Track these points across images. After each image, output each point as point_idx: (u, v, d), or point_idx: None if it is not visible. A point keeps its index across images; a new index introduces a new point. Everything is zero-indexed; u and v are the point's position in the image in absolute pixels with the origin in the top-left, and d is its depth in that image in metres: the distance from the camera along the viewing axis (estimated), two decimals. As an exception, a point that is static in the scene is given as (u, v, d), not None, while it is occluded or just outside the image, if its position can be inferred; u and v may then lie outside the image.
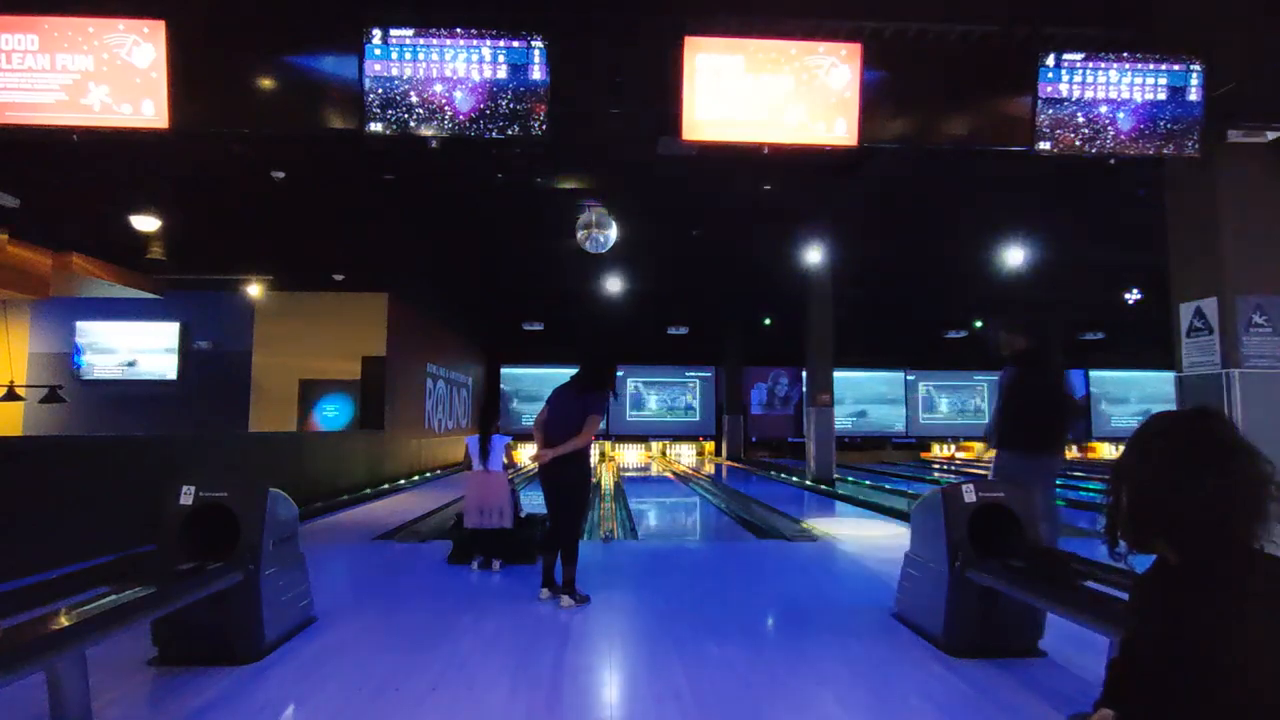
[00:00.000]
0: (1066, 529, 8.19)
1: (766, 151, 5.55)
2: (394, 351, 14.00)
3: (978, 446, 26.10)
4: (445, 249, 13.75)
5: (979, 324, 21.62)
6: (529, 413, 24.77)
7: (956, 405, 26.12)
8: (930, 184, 9.88)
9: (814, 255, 12.61)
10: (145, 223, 9.63)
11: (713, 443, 24.89)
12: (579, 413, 4.75)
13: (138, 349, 13.68)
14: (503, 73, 5.25)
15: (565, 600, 4.70)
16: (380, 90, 5.22)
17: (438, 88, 5.25)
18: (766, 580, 5.73)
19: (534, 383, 24.72)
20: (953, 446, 26.11)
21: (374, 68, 5.21)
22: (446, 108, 5.26)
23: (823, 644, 3.97)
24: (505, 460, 6.06)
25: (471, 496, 5.88)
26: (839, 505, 11.15)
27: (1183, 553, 1.20)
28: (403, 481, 13.87)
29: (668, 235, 12.51)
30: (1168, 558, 1.23)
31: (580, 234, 9.57)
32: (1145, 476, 1.24)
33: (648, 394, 25.18)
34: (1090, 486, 14.10)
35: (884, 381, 25.91)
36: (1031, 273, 13.59)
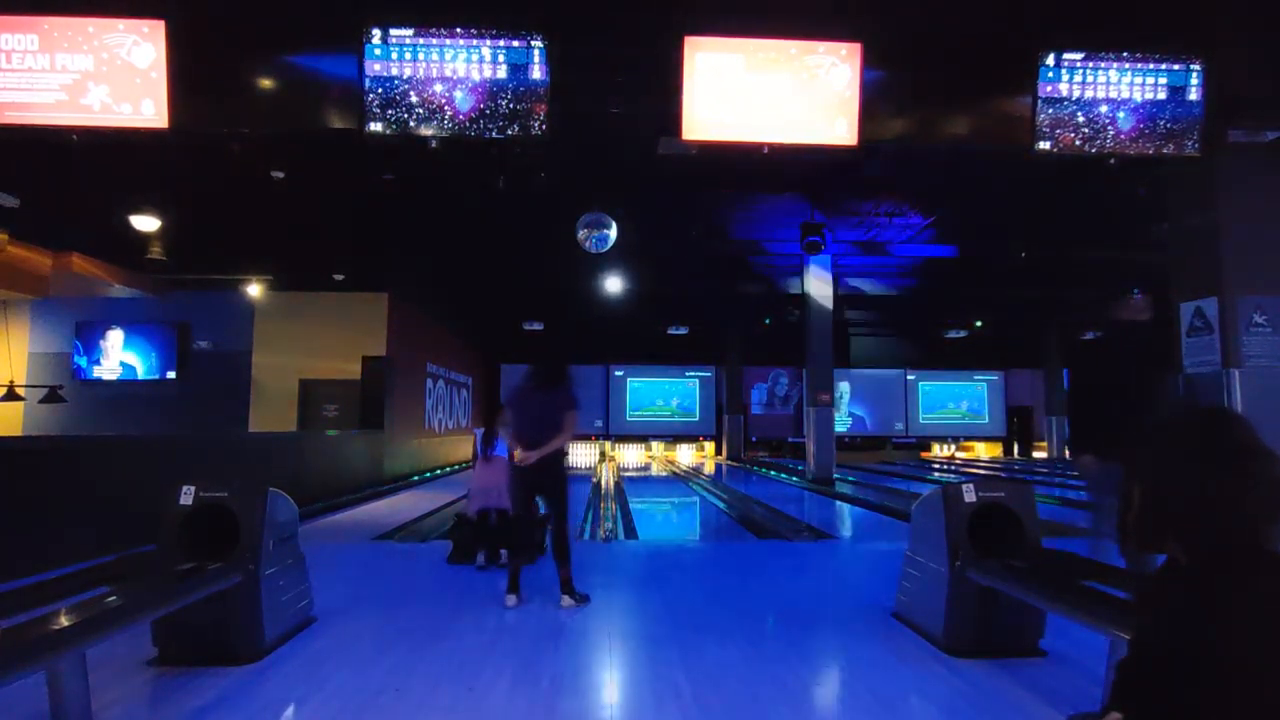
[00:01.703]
0: (1066, 529, 8.20)
1: (766, 151, 5.55)
2: (394, 351, 14.00)
3: (978, 446, 26.11)
4: (445, 249, 13.74)
5: (979, 323, 21.60)
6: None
7: (957, 405, 26.11)
8: (930, 183, 9.88)
9: (813, 254, 12.59)
10: (145, 223, 9.62)
11: (713, 443, 24.88)
12: (554, 411, 4.72)
13: (137, 349, 13.67)
14: (503, 73, 5.25)
15: (565, 600, 4.67)
16: (380, 90, 5.22)
17: (438, 87, 5.25)
18: (766, 580, 5.73)
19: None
20: (953, 446, 26.11)
21: (374, 67, 5.21)
22: (446, 107, 5.26)
23: (823, 644, 3.97)
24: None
25: (478, 481, 6.05)
26: (839, 505, 11.15)
27: (1196, 553, 1.19)
28: (402, 481, 13.86)
29: (668, 235, 12.50)
30: (1178, 558, 1.23)
31: (580, 234, 9.57)
32: (1160, 474, 1.23)
33: (648, 394, 25.18)
34: (1090, 486, 14.09)
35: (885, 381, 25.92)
36: (1031, 272, 13.60)
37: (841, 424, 23.82)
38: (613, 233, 9.55)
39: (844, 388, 24.93)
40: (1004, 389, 26.08)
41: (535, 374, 4.93)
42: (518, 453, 4.69)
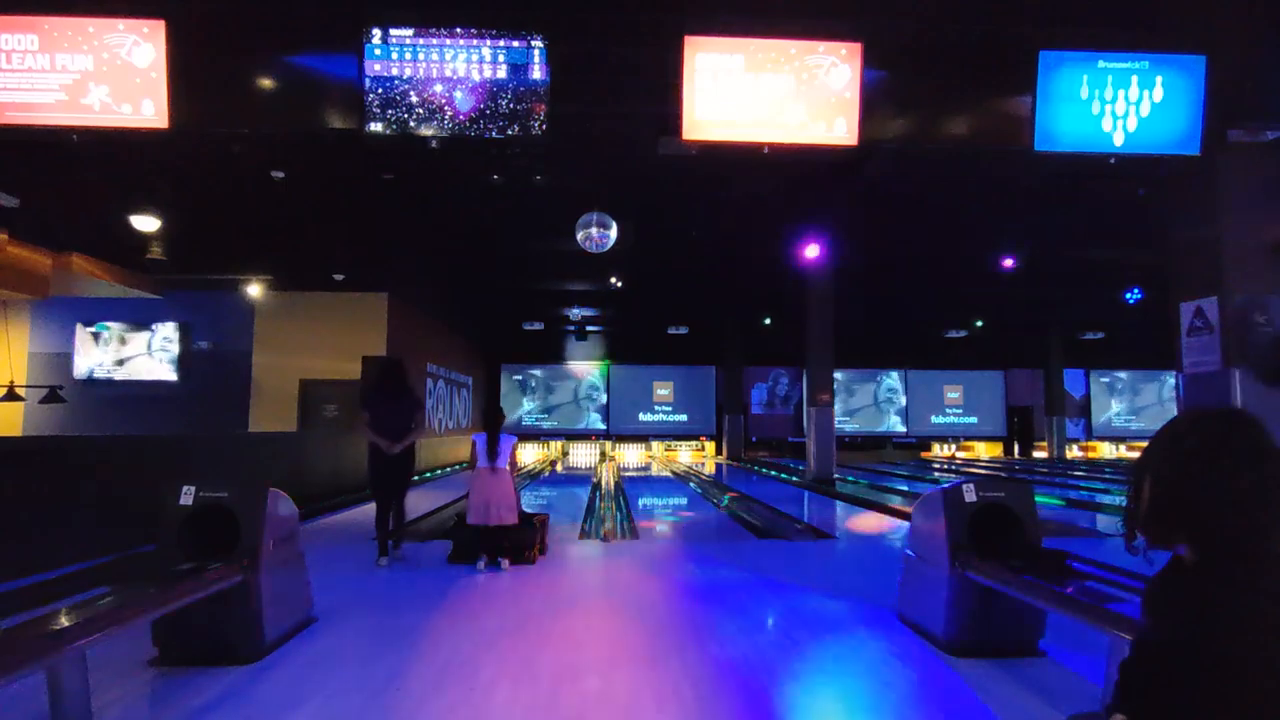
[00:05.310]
0: (1066, 529, 8.20)
1: (766, 151, 5.55)
2: (394, 351, 14.00)
3: (978, 446, 26.10)
4: (445, 249, 13.75)
5: (979, 323, 21.60)
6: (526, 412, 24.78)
7: (956, 405, 26.12)
8: (930, 183, 9.88)
9: (814, 254, 12.61)
10: (145, 223, 9.62)
11: (713, 442, 24.90)
12: (406, 413, 6.18)
13: (138, 350, 13.68)
14: (503, 72, 5.25)
15: (383, 561, 5.95)
16: (380, 90, 5.22)
17: (438, 87, 5.26)
18: (766, 580, 5.73)
19: (534, 381, 24.81)
20: (953, 446, 26.12)
21: (374, 67, 5.21)
22: (446, 107, 5.26)
23: (823, 643, 3.97)
24: (510, 459, 6.03)
25: (477, 493, 5.87)
26: (839, 505, 11.15)
27: (1206, 551, 1.19)
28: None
29: (667, 235, 12.51)
30: (1184, 557, 1.23)
31: (580, 234, 9.57)
32: (1174, 471, 1.22)
33: (647, 394, 25.18)
34: (1090, 486, 14.10)
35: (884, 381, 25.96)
36: (1031, 272, 13.60)
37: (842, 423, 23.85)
38: (612, 233, 9.55)
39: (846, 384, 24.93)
40: (1004, 389, 26.10)
41: (384, 386, 6.27)
42: (384, 444, 6.02)
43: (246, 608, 3.57)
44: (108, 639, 2.72)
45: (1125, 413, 26.30)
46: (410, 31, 5.22)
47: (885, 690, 3.33)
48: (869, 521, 9.54)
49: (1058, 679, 3.47)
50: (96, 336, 13.61)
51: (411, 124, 5.26)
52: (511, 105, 5.25)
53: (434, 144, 5.35)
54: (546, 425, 24.63)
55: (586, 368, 24.83)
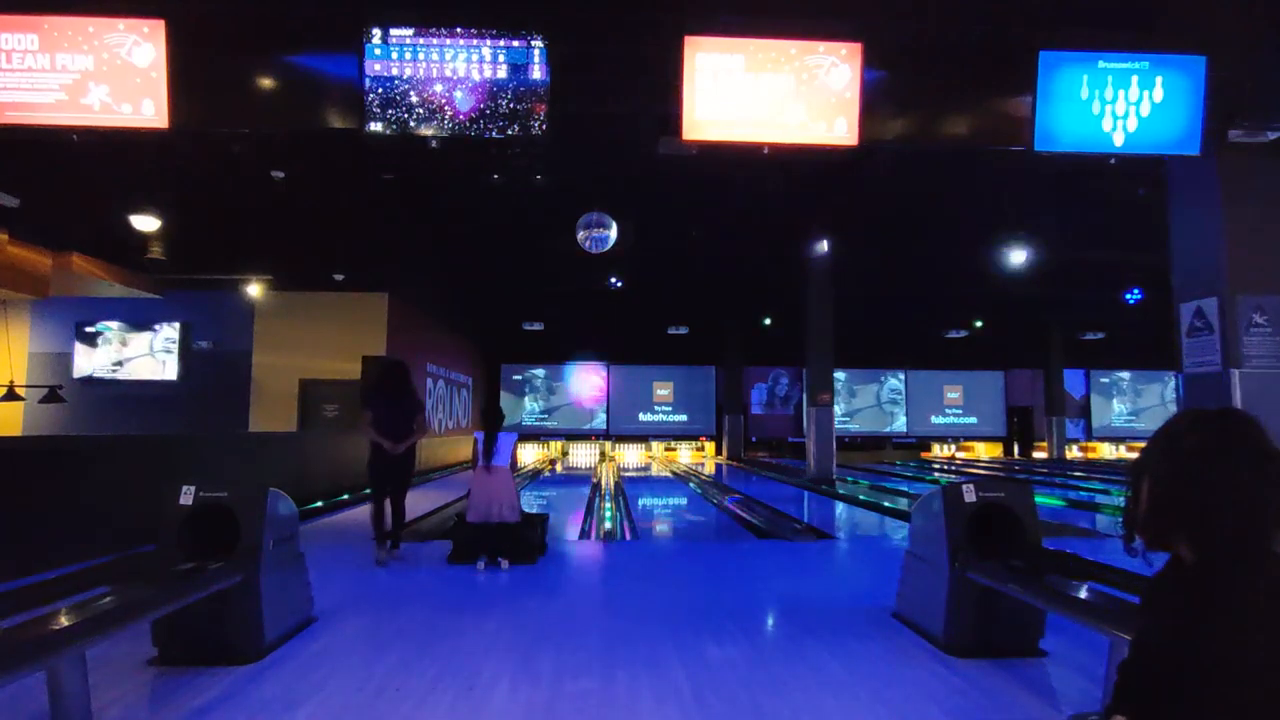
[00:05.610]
0: (1066, 529, 8.20)
1: (767, 151, 5.55)
2: (394, 351, 14.00)
3: (978, 446, 26.10)
4: (445, 249, 13.74)
5: (979, 323, 21.58)
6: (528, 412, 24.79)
7: (956, 405, 26.11)
8: (930, 184, 9.88)
9: (814, 254, 12.61)
10: (145, 223, 9.62)
11: (713, 443, 24.89)
12: (407, 414, 6.15)
13: (139, 350, 13.68)
14: (503, 72, 5.25)
15: (387, 556, 5.95)
16: (380, 90, 5.22)
17: (438, 87, 5.25)
18: (766, 580, 5.73)
19: (535, 381, 24.82)
20: (953, 446, 26.11)
21: (374, 67, 5.21)
22: (446, 107, 5.26)
23: (823, 644, 3.96)
24: (511, 458, 6.05)
25: (477, 492, 5.91)
26: (839, 505, 11.15)
27: (1204, 550, 1.19)
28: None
29: (667, 235, 12.50)
30: (1182, 556, 1.22)
31: (580, 234, 9.57)
32: (1174, 470, 1.22)
33: (648, 394, 25.18)
34: (1090, 486, 14.10)
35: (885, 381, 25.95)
36: (1032, 272, 13.59)
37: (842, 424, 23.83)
38: (612, 233, 9.55)
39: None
40: (1004, 389, 26.09)
41: (385, 387, 6.28)
42: (386, 444, 5.98)
43: (246, 608, 3.57)
44: (108, 639, 2.72)
45: (1126, 413, 26.31)
46: (410, 31, 5.22)
47: (885, 691, 3.33)
48: (869, 521, 9.54)
49: (1058, 679, 3.47)
50: (96, 337, 13.61)
51: (411, 124, 5.26)
52: (511, 105, 5.25)
53: (434, 144, 5.35)
54: (547, 425, 24.64)
55: (587, 375, 24.82)
